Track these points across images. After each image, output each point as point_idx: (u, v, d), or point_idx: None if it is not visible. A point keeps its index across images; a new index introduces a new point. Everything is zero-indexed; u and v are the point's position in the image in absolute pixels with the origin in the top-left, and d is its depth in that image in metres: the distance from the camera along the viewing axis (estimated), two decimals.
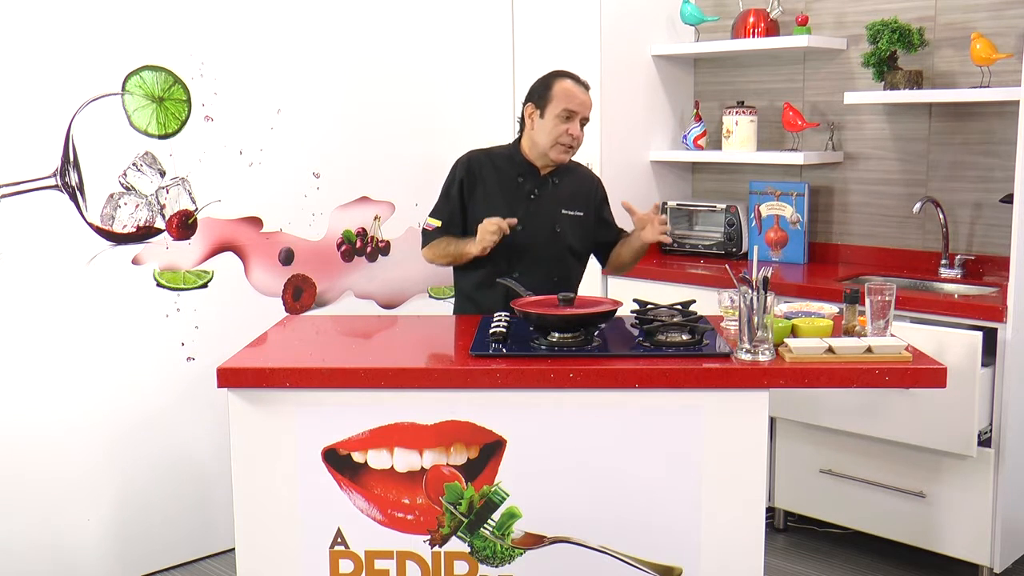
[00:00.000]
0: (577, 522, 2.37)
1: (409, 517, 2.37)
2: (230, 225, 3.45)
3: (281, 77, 3.51)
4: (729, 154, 4.08)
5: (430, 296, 4.01)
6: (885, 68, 3.59)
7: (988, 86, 3.41)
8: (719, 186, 4.35)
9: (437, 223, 3.03)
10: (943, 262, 3.60)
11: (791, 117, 3.92)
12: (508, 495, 2.36)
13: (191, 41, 3.29)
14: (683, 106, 4.37)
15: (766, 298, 2.29)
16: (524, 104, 3.03)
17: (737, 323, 2.37)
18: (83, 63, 3.08)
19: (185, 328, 3.36)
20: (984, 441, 3.06)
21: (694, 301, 2.73)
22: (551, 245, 3.02)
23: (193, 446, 3.42)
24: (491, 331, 2.50)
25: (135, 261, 3.24)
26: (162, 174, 3.27)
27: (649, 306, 2.68)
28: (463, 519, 2.37)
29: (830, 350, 2.34)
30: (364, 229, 3.82)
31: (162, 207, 3.28)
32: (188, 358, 3.38)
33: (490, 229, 2.82)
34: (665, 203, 4.27)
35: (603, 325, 2.56)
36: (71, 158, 3.08)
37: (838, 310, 2.61)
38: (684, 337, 2.46)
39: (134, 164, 3.21)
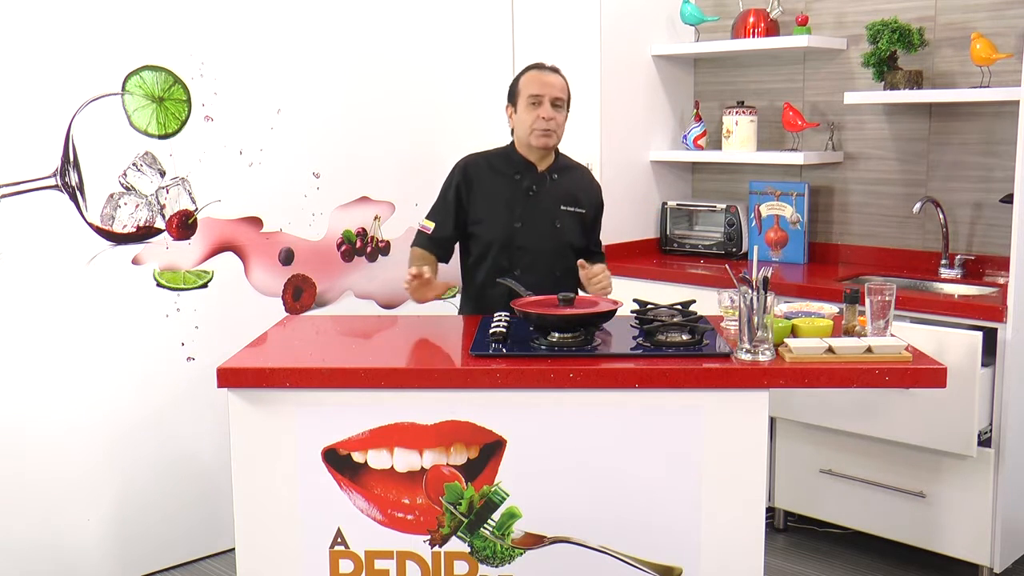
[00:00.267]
0: (577, 522, 2.37)
1: (409, 517, 2.37)
2: (230, 225, 3.45)
3: (281, 77, 3.51)
4: (729, 154, 4.08)
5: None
6: (885, 68, 3.59)
7: (988, 86, 3.41)
8: (719, 186, 4.35)
9: (431, 225, 3.05)
10: (943, 262, 3.60)
11: (791, 117, 3.92)
12: (508, 495, 2.36)
13: (191, 41, 3.29)
14: (683, 106, 4.37)
15: (766, 298, 2.29)
16: (505, 108, 3.08)
17: (737, 323, 2.37)
18: (83, 63, 3.08)
19: (185, 328, 3.36)
20: (984, 441, 3.06)
21: (694, 301, 2.73)
22: (551, 241, 3.03)
23: (193, 446, 3.42)
24: (491, 331, 2.50)
25: (135, 261, 3.24)
26: (162, 174, 3.27)
27: (649, 306, 2.68)
28: (463, 519, 2.37)
29: (830, 350, 2.34)
30: (364, 229, 3.82)
31: (162, 207, 3.28)
32: (188, 358, 3.38)
33: (405, 279, 2.81)
34: (665, 203, 4.27)
35: (603, 325, 2.56)
36: (71, 158, 3.08)
37: (838, 310, 2.61)
38: (684, 337, 2.46)
39: (134, 164, 3.21)
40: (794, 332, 2.47)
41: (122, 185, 3.20)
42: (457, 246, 3.12)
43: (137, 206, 3.23)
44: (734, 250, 4.07)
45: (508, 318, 2.60)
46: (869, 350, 2.33)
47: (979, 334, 2.97)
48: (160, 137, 3.25)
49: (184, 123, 3.30)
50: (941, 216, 3.60)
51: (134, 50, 3.17)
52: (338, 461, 2.36)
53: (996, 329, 3.04)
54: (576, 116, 4.01)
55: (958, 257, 3.58)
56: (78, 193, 3.10)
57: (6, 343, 3.00)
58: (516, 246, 2.99)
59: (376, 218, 3.85)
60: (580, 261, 2.96)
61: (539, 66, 3.06)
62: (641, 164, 4.25)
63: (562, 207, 3.05)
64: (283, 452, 2.37)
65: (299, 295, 3.65)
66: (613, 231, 4.04)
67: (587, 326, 2.49)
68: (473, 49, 4.04)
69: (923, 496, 3.20)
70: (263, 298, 3.54)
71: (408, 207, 3.88)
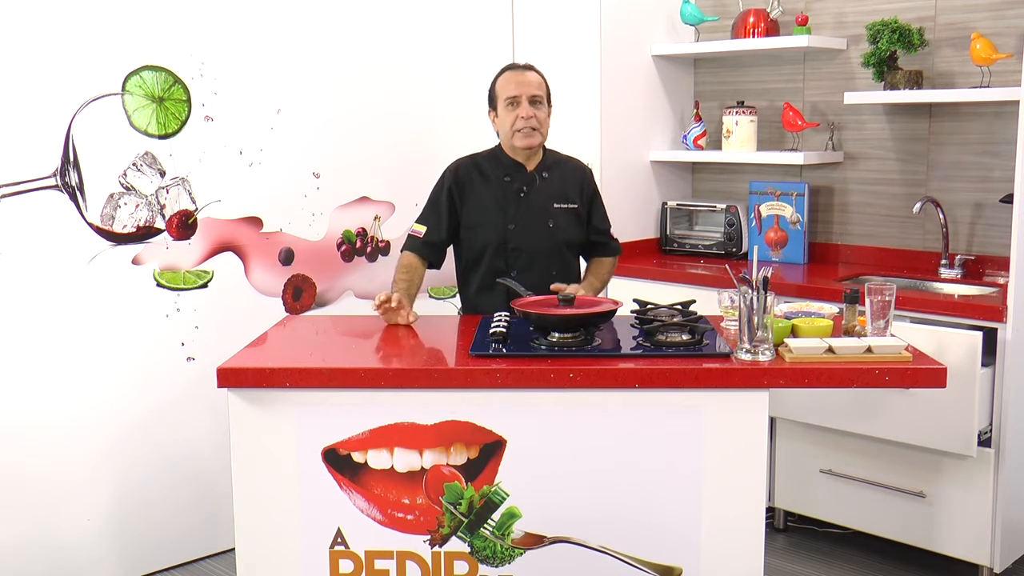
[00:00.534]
0: (577, 522, 2.37)
1: (409, 517, 2.37)
2: (230, 225, 3.45)
3: (281, 77, 3.51)
4: (729, 154, 4.08)
5: (430, 296, 4.01)
6: (885, 68, 3.59)
7: (988, 86, 3.41)
8: (719, 186, 4.35)
9: (422, 229, 3.04)
10: (943, 262, 3.60)
11: (791, 117, 3.92)
12: (508, 495, 2.36)
13: (191, 41, 3.29)
14: (683, 106, 4.37)
15: (766, 298, 2.29)
16: (488, 113, 3.08)
17: (737, 323, 2.37)
18: (83, 63, 3.08)
19: (185, 328, 3.36)
20: (984, 441, 3.06)
21: (694, 301, 2.73)
22: (546, 241, 3.02)
23: (193, 446, 3.42)
24: (491, 331, 2.50)
25: (135, 261, 3.24)
26: (162, 174, 3.27)
27: (649, 306, 2.68)
28: (463, 519, 2.37)
29: (830, 350, 2.34)
30: (364, 229, 3.82)
31: (162, 207, 3.28)
32: (188, 358, 3.38)
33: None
34: (665, 203, 4.27)
35: (603, 325, 2.56)
36: (71, 158, 3.08)
37: (838, 310, 2.61)
38: (684, 337, 2.46)
39: (134, 164, 3.21)
40: (794, 332, 2.47)
41: (122, 185, 3.20)
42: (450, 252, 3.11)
43: (137, 206, 3.23)
44: (734, 250, 4.07)
45: (508, 318, 2.60)
46: (869, 350, 2.33)
47: (979, 334, 2.97)
48: (160, 137, 3.25)
49: (184, 123, 3.30)
50: (941, 216, 3.60)
51: (134, 50, 3.17)
52: (338, 461, 2.36)
53: (996, 329, 3.04)
54: (576, 116, 4.04)
55: (958, 257, 3.58)
56: (78, 193, 3.10)
57: (6, 343, 3.01)
58: (511, 248, 2.99)
59: (376, 218, 3.85)
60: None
61: (512, 66, 3.05)
62: (641, 164, 4.25)
63: (555, 206, 3.04)
64: (283, 452, 2.37)
65: (299, 295, 3.65)
66: (613, 231, 4.04)
67: (587, 326, 2.49)
68: (473, 49, 4.04)
69: (923, 496, 3.20)
70: (263, 298, 3.54)
71: (408, 207, 3.88)
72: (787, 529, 3.65)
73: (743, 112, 4.02)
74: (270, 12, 3.47)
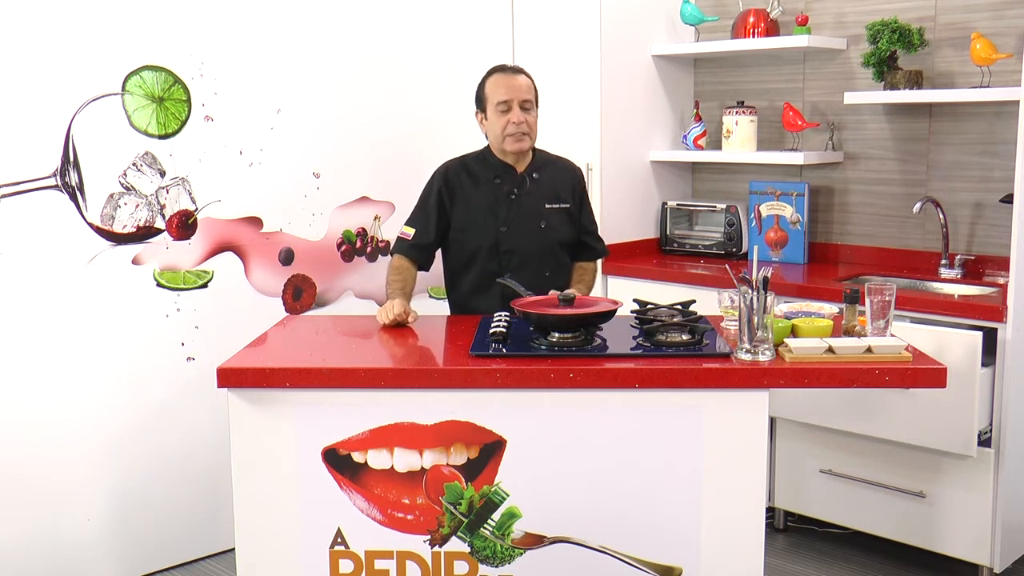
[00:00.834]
0: (577, 522, 2.37)
1: (409, 517, 2.37)
2: (230, 225, 3.45)
3: (281, 77, 3.51)
4: (729, 154, 4.08)
5: (430, 296, 4.01)
6: (885, 68, 3.59)
7: (988, 86, 3.41)
8: (719, 186, 4.35)
9: (411, 231, 3.04)
10: (943, 262, 3.60)
11: (791, 117, 3.92)
12: (508, 495, 2.36)
13: (191, 41, 3.29)
14: (683, 106, 4.37)
15: (766, 298, 2.29)
16: (475, 114, 3.06)
17: (737, 323, 2.37)
18: (83, 63, 3.08)
19: (185, 328, 3.36)
20: (984, 441, 3.06)
21: (694, 301, 2.73)
22: (538, 242, 3.02)
23: (193, 446, 3.42)
24: (491, 331, 2.50)
25: (135, 261, 3.24)
26: (162, 174, 3.27)
27: (649, 306, 2.68)
28: (463, 519, 2.37)
29: (830, 350, 2.34)
30: (364, 229, 3.82)
31: (162, 207, 3.28)
32: (188, 358, 3.38)
33: (388, 313, 2.76)
34: (665, 203, 4.27)
35: (603, 325, 2.56)
36: (71, 158, 3.08)
37: (838, 310, 2.61)
38: (684, 337, 2.46)
39: (134, 164, 3.21)
40: (794, 332, 2.47)
41: (122, 185, 3.20)
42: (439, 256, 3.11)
43: (137, 206, 3.23)
44: (734, 250, 4.07)
45: (508, 318, 2.60)
46: (869, 350, 2.33)
47: (979, 334, 2.97)
48: (160, 137, 3.25)
49: (184, 123, 3.30)
50: (941, 216, 3.60)
51: (134, 50, 3.17)
52: (338, 461, 2.36)
53: (996, 329, 3.04)
54: (576, 116, 4.04)
55: (958, 257, 3.58)
56: (78, 193, 3.10)
57: (6, 343, 3.01)
58: (503, 250, 2.99)
59: (376, 218, 3.85)
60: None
61: (502, 68, 3.02)
62: (641, 164, 4.25)
63: (546, 206, 3.04)
64: (283, 452, 2.37)
65: (299, 295, 3.65)
66: (613, 231, 4.05)
67: (587, 326, 2.49)
68: (473, 49, 4.04)
69: (923, 496, 3.20)
70: (263, 298, 3.54)
71: (408, 207, 3.83)
72: (787, 529, 3.65)
73: (743, 112, 4.02)
74: (270, 12, 3.47)
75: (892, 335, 2.43)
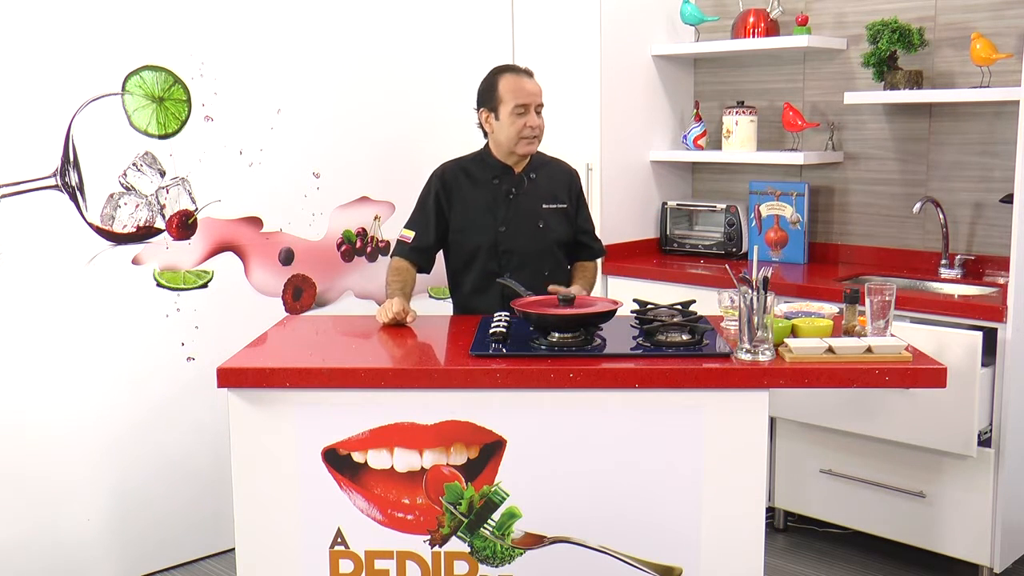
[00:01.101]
0: (577, 522, 2.37)
1: (409, 517, 2.37)
2: (230, 225, 3.45)
3: (281, 77, 3.51)
4: (729, 154, 4.08)
5: (430, 296, 4.01)
6: (885, 68, 3.59)
7: (988, 86, 3.41)
8: (719, 186, 4.35)
9: (411, 234, 3.03)
10: (943, 262, 3.60)
11: (791, 117, 3.92)
12: (508, 495, 2.36)
13: (191, 41, 3.29)
14: (683, 106, 4.37)
15: (766, 298, 2.29)
16: (477, 110, 3.03)
17: (737, 323, 2.37)
18: (83, 63, 3.08)
19: (185, 328, 3.36)
20: (984, 441, 3.06)
21: (694, 301, 2.73)
22: (537, 242, 3.02)
23: (193, 446, 3.42)
24: (491, 331, 2.50)
25: (135, 261, 3.24)
26: (162, 174, 3.27)
27: (649, 306, 2.68)
28: (463, 519, 2.37)
29: (830, 350, 2.34)
30: (364, 229, 3.82)
31: (162, 207, 3.28)
32: (188, 358, 3.38)
33: (388, 311, 2.75)
34: (665, 203, 4.27)
35: (603, 325, 2.56)
36: (71, 158, 3.08)
37: (838, 310, 2.62)
38: (684, 337, 2.46)
39: (134, 164, 3.21)
40: (794, 332, 2.47)
41: (122, 185, 3.20)
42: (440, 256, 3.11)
43: (137, 206, 3.23)
44: (734, 250, 4.07)
45: (508, 318, 2.60)
46: (869, 350, 2.33)
47: (979, 334, 2.97)
48: (160, 137, 3.25)
49: (184, 123, 3.30)
50: (941, 216, 3.60)
51: (134, 50, 3.18)
52: (338, 461, 2.36)
53: (996, 329, 3.04)
54: (576, 116, 4.04)
55: (958, 257, 3.58)
56: (78, 193, 3.10)
57: (6, 343, 3.01)
58: (502, 250, 2.99)
59: (376, 218, 3.85)
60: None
61: (514, 69, 3.01)
62: (641, 164, 4.25)
63: (544, 206, 3.04)
64: (283, 452, 2.37)
65: (299, 295, 3.65)
66: (613, 231, 4.05)
67: (587, 326, 2.49)
68: (473, 49, 4.04)
69: (923, 496, 3.20)
70: (263, 298, 3.54)
71: (408, 207, 3.83)
72: (787, 529, 3.65)
73: (743, 112, 4.02)
74: (270, 12, 3.47)
75: (892, 335, 2.43)
